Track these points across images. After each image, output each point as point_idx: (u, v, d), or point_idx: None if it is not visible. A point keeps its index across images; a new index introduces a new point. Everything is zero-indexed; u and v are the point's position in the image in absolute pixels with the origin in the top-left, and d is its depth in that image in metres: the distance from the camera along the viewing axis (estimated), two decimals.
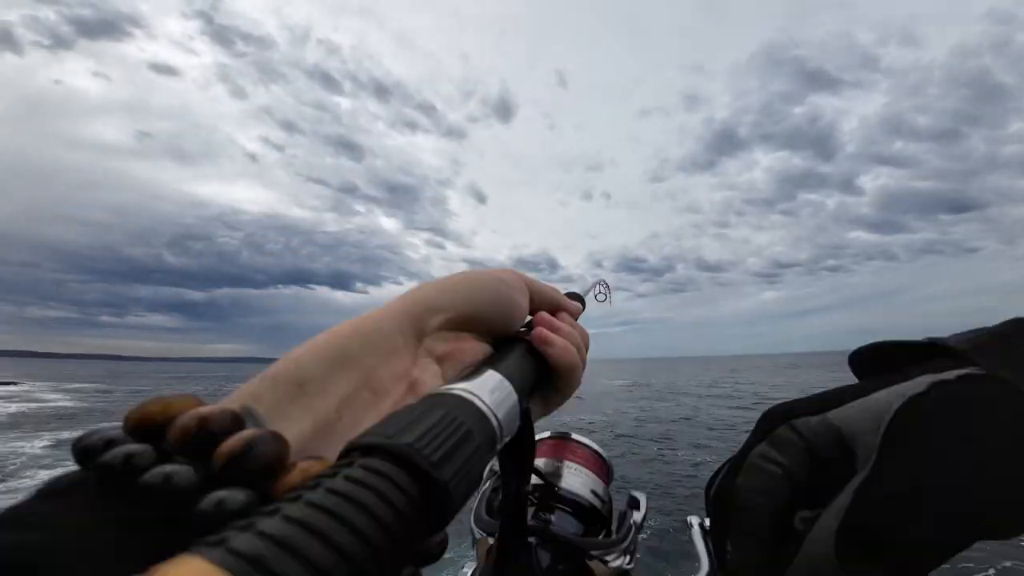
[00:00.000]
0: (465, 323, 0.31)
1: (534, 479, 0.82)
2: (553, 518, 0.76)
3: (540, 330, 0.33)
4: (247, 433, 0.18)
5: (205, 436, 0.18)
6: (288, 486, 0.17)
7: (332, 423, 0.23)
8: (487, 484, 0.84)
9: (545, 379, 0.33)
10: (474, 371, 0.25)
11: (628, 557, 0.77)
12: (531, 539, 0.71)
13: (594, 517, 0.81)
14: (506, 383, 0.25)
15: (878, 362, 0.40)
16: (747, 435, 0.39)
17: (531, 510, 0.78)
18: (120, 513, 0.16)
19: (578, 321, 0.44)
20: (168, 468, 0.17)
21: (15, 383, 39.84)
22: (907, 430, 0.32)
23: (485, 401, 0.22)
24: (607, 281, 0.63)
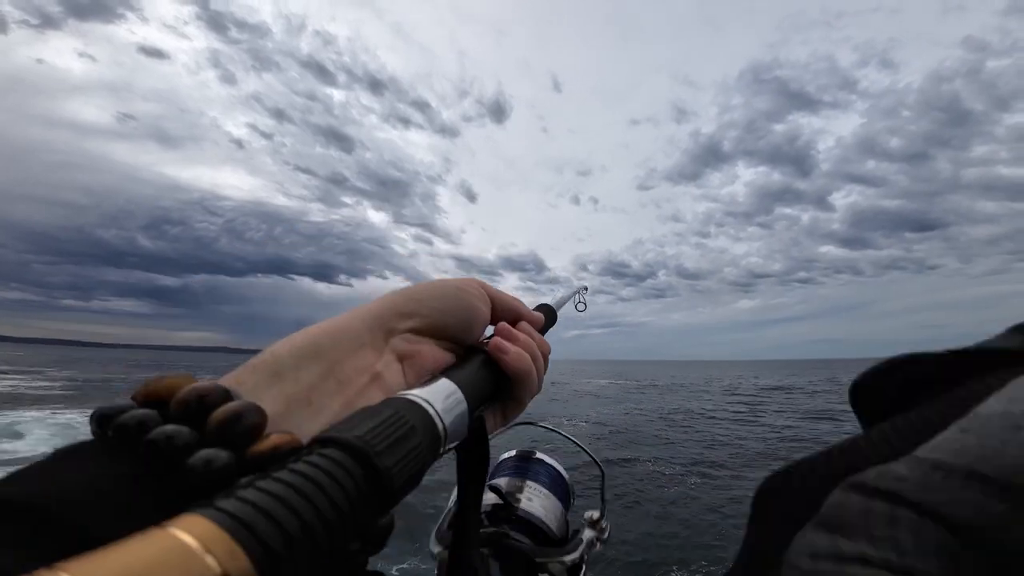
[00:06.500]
0: (429, 330, 0.35)
1: (494, 498, 0.85)
2: (509, 530, 0.79)
3: (496, 339, 0.36)
4: (236, 404, 0.22)
5: (201, 406, 0.22)
6: (260, 451, 0.21)
7: (302, 406, 0.27)
8: (451, 503, 0.86)
9: (504, 388, 0.36)
10: (430, 379, 0.29)
11: (582, 568, 0.80)
12: (484, 550, 0.74)
13: (548, 540, 0.83)
14: (457, 391, 0.29)
15: (913, 383, 0.29)
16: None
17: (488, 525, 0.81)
18: (125, 470, 0.19)
19: (554, 327, 0.47)
20: (170, 428, 0.21)
21: None
22: None
23: (433, 405, 0.26)
24: (587, 286, 0.66)
